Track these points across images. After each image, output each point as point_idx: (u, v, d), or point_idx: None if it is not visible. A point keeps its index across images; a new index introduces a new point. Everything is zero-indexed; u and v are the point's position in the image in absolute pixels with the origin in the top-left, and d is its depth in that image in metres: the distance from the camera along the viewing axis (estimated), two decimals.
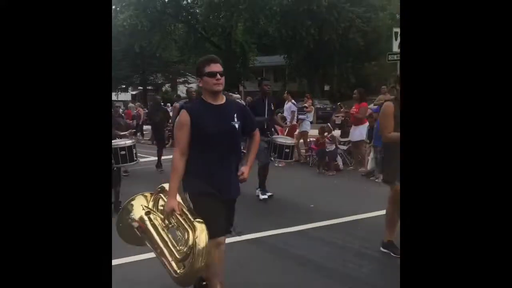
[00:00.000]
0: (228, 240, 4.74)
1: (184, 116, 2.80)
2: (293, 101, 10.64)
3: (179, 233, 2.84)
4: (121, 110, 15.38)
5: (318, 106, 23.11)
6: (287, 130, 9.88)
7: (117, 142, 5.97)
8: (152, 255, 4.36)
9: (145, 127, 17.29)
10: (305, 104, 10.82)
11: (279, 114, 10.22)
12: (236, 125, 2.89)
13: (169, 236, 2.94)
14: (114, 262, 3.46)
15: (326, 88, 30.70)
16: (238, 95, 10.68)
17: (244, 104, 10.06)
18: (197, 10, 28.23)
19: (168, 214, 2.83)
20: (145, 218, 3.07)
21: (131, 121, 14.96)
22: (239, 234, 4.40)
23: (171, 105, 15.45)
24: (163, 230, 2.95)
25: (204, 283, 3.09)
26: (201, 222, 2.69)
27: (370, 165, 8.18)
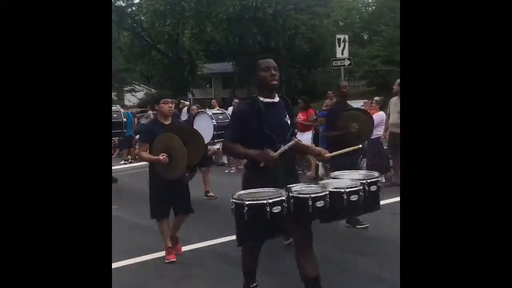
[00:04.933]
0: (183, 248, 4.68)
1: None
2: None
3: None
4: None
5: None
6: None
7: None
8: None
9: None
10: None
11: None
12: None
13: None
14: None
15: None
16: (187, 102, 10.58)
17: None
18: (142, 18, 27.76)
19: None
20: None
21: None
22: None
23: None
24: None
25: None
26: None
27: (320, 170, 8.32)
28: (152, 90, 32.95)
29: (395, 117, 7.03)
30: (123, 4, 28.28)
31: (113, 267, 4.21)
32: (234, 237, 5.01)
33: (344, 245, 4.61)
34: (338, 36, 14.23)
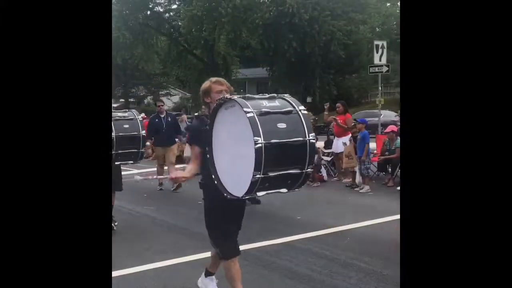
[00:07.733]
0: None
1: None
2: None
3: None
4: None
5: None
6: None
7: None
8: (152, 266, 4.30)
9: None
10: None
11: None
12: None
13: None
14: (114, 273, 3.40)
15: (309, 100, 30.97)
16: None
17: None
18: (180, 23, 28.27)
19: None
20: None
21: None
22: None
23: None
24: None
25: None
26: None
27: (357, 178, 8.20)
28: (187, 94, 33.45)
29: None
30: (161, 10, 28.93)
31: (151, 267, 4.31)
32: (269, 242, 5.02)
33: (351, 246, 4.61)
34: (376, 42, 14.04)
